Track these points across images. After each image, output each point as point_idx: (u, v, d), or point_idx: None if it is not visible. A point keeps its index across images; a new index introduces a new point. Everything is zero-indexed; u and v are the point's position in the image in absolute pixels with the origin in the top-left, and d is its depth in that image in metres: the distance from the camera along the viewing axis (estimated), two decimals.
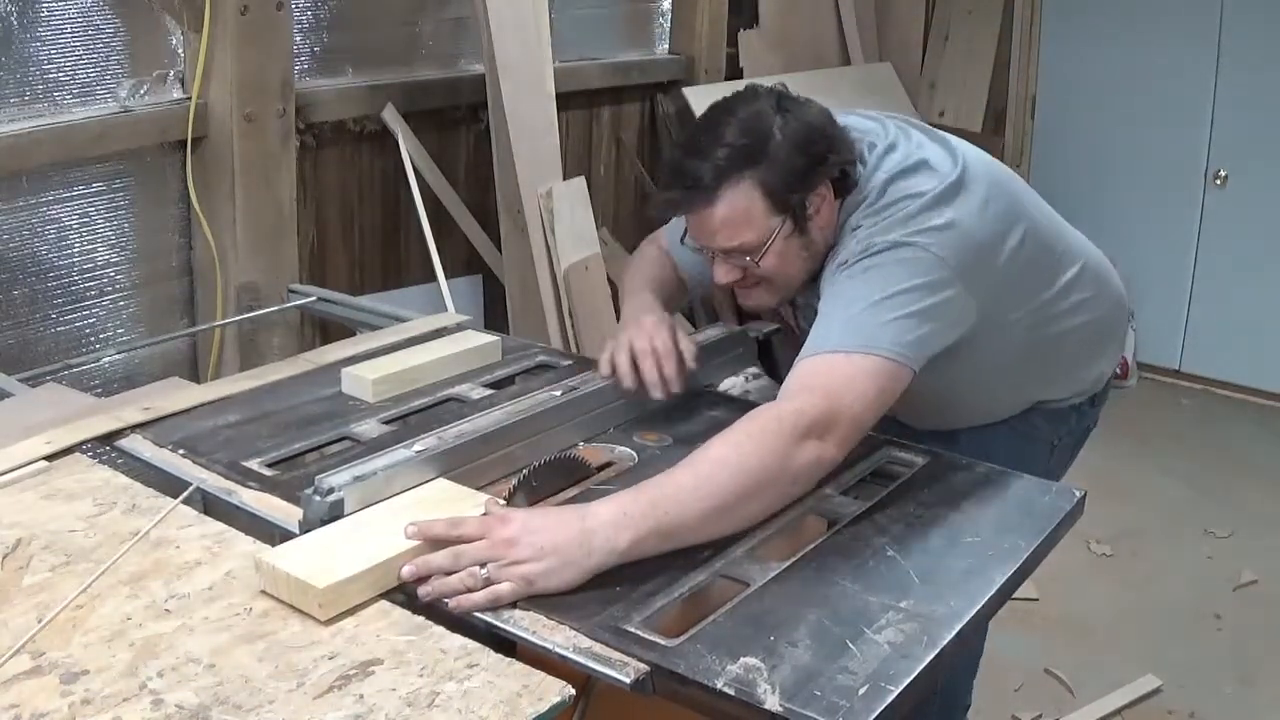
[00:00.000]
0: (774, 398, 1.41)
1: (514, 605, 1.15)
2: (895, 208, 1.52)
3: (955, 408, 1.78)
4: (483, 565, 1.16)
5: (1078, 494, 1.45)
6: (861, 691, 1.02)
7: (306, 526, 1.25)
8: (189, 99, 2.40)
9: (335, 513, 1.24)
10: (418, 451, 1.35)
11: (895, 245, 1.48)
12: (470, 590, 1.15)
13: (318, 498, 1.25)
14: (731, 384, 1.81)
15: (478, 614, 1.14)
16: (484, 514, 1.25)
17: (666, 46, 3.85)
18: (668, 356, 1.61)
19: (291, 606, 1.12)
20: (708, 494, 1.25)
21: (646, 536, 1.21)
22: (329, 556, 1.16)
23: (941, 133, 1.67)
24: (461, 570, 1.16)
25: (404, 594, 1.18)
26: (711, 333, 1.83)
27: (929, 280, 1.46)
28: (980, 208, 1.53)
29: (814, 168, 1.50)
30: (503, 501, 1.30)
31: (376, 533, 1.21)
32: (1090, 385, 1.84)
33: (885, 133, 1.63)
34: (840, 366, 1.40)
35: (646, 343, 1.61)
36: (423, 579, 1.17)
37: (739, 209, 1.49)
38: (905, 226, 1.49)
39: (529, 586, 1.15)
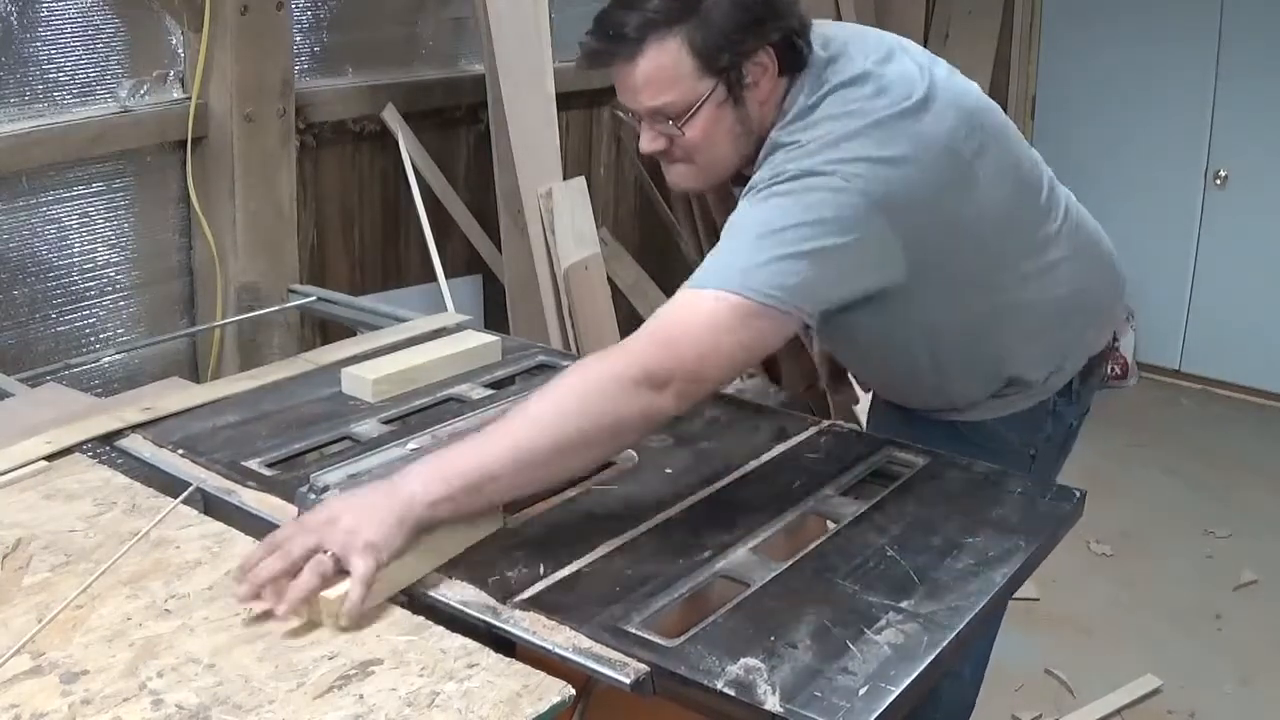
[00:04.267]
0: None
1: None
2: (824, 128, 1.36)
3: (907, 380, 1.64)
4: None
5: (1078, 494, 1.45)
6: (862, 692, 1.02)
7: None
8: (189, 99, 2.40)
9: None
10: (412, 450, 1.35)
11: (807, 173, 1.32)
12: (325, 579, 1.09)
13: (312, 495, 1.25)
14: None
15: (477, 614, 1.14)
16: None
17: None
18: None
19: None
20: (526, 454, 1.20)
21: (458, 493, 1.17)
22: None
23: (927, 54, 1.51)
24: (303, 565, 1.10)
25: (404, 594, 1.18)
26: None
27: (838, 217, 1.30)
28: (937, 142, 1.37)
29: (751, 27, 1.37)
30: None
31: None
32: (1065, 367, 1.67)
33: (844, 38, 1.46)
34: (700, 311, 1.26)
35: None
36: (264, 598, 1.10)
37: (664, 65, 1.37)
38: (828, 153, 1.33)
39: (375, 551, 1.11)
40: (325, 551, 1.12)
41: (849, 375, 1.85)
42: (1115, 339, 4.22)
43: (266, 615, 1.11)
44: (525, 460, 1.20)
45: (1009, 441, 1.68)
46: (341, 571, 1.11)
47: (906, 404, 1.72)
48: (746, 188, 1.38)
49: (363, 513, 1.14)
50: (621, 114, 1.62)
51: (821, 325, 1.42)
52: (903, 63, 1.43)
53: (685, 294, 1.29)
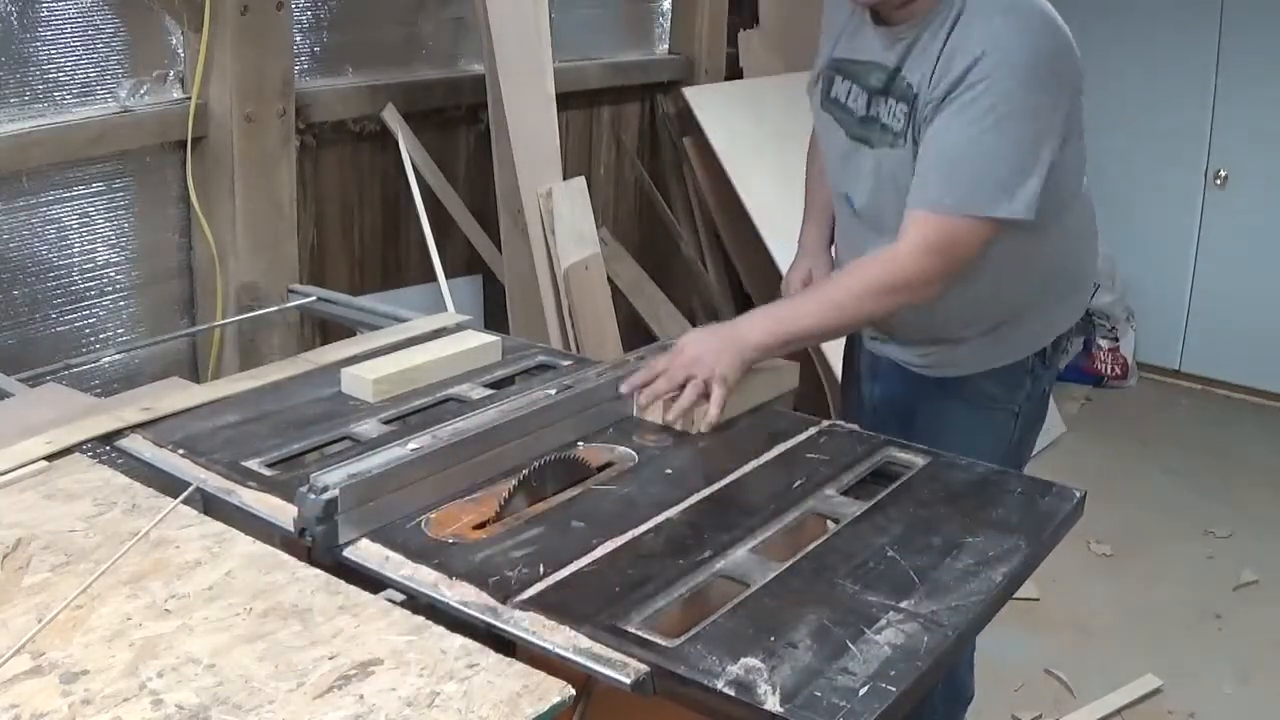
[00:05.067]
0: None
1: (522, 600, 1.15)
2: (1011, 20, 1.62)
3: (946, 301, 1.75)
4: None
5: (1078, 494, 1.45)
6: (862, 692, 1.02)
7: (302, 525, 1.25)
8: (189, 99, 2.40)
9: (330, 511, 1.24)
10: (413, 450, 1.35)
11: (1022, 82, 1.60)
12: (705, 397, 1.59)
13: (312, 496, 1.25)
14: None
15: (477, 614, 1.14)
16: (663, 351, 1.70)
17: (666, 46, 3.84)
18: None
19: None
20: (826, 330, 1.79)
21: (777, 347, 1.68)
22: None
23: None
24: (684, 389, 1.59)
25: (404, 594, 1.18)
26: None
27: (1050, 125, 1.63)
28: (1077, 58, 1.67)
29: None
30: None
31: None
32: (1050, 324, 1.90)
33: None
34: (962, 227, 1.62)
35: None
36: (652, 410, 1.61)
37: None
38: (1030, 58, 1.60)
39: (725, 381, 1.60)
40: (696, 378, 1.60)
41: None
42: (1117, 336, 4.28)
43: (265, 615, 1.11)
44: (822, 334, 1.86)
45: (995, 397, 1.89)
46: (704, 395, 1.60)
47: (910, 332, 1.88)
48: (960, 84, 1.60)
49: (719, 353, 1.62)
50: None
51: None
52: None
53: (950, 214, 1.62)
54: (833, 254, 2.05)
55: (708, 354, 1.62)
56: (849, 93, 1.81)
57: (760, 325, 1.68)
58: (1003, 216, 1.61)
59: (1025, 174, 1.60)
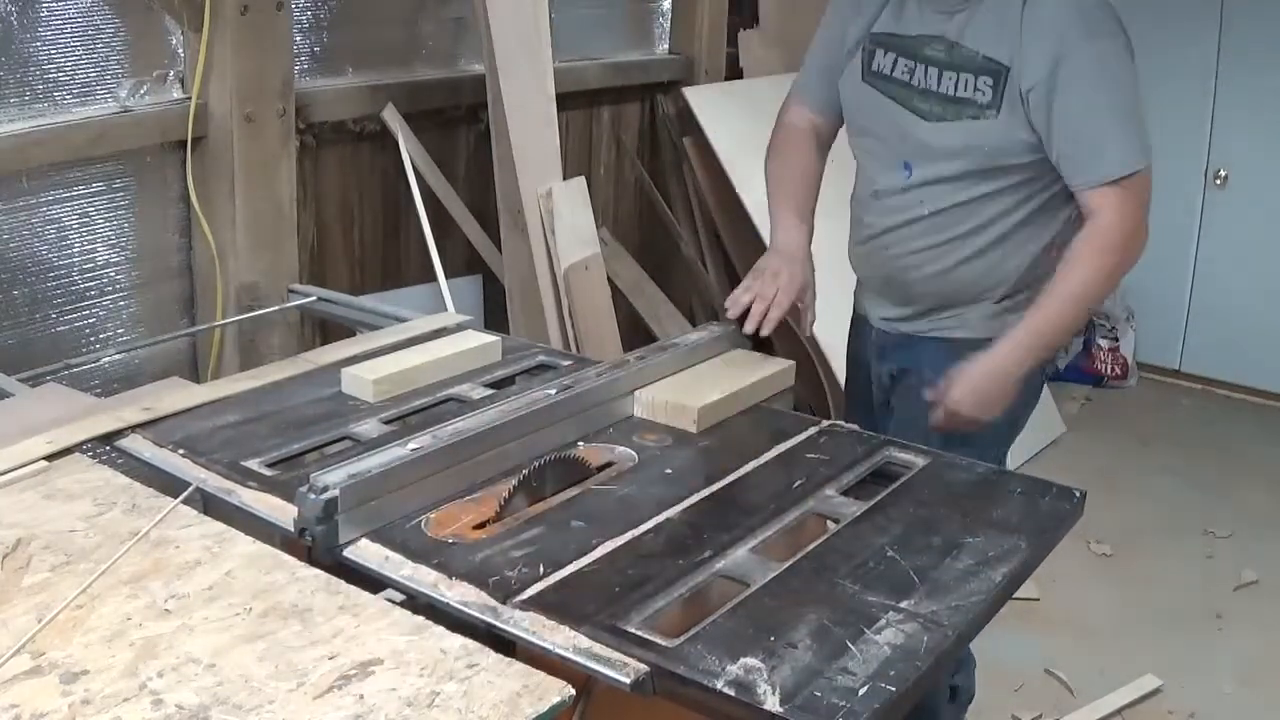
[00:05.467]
0: None
1: (520, 607, 1.15)
2: None
3: (975, 254, 1.91)
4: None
5: (1078, 494, 1.45)
6: (862, 692, 1.02)
7: (302, 525, 1.25)
8: (189, 99, 2.40)
9: (330, 511, 1.24)
10: (413, 450, 1.35)
11: (1113, 35, 1.75)
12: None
13: (312, 495, 1.25)
14: None
15: (477, 614, 1.14)
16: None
17: (666, 46, 3.85)
18: (776, 307, 1.83)
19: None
20: (1072, 321, 1.84)
21: (1035, 363, 1.84)
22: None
23: None
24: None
25: (404, 594, 1.18)
26: (703, 334, 1.83)
27: (1135, 76, 1.79)
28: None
29: None
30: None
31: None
32: None
33: None
34: (1140, 192, 1.77)
35: (769, 290, 1.85)
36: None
37: None
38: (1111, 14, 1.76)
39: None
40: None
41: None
42: (1117, 336, 4.31)
43: (265, 615, 1.11)
44: (1068, 334, 1.88)
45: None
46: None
47: (930, 300, 1.97)
48: (1065, 56, 1.73)
49: (994, 404, 1.83)
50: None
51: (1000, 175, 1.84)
52: None
53: (1123, 177, 1.75)
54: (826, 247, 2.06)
55: (984, 408, 1.82)
56: (895, 65, 1.88)
57: (1015, 357, 1.81)
58: (1149, 161, 1.78)
59: (1142, 119, 1.79)
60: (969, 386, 1.82)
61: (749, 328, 1.83)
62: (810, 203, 2.02)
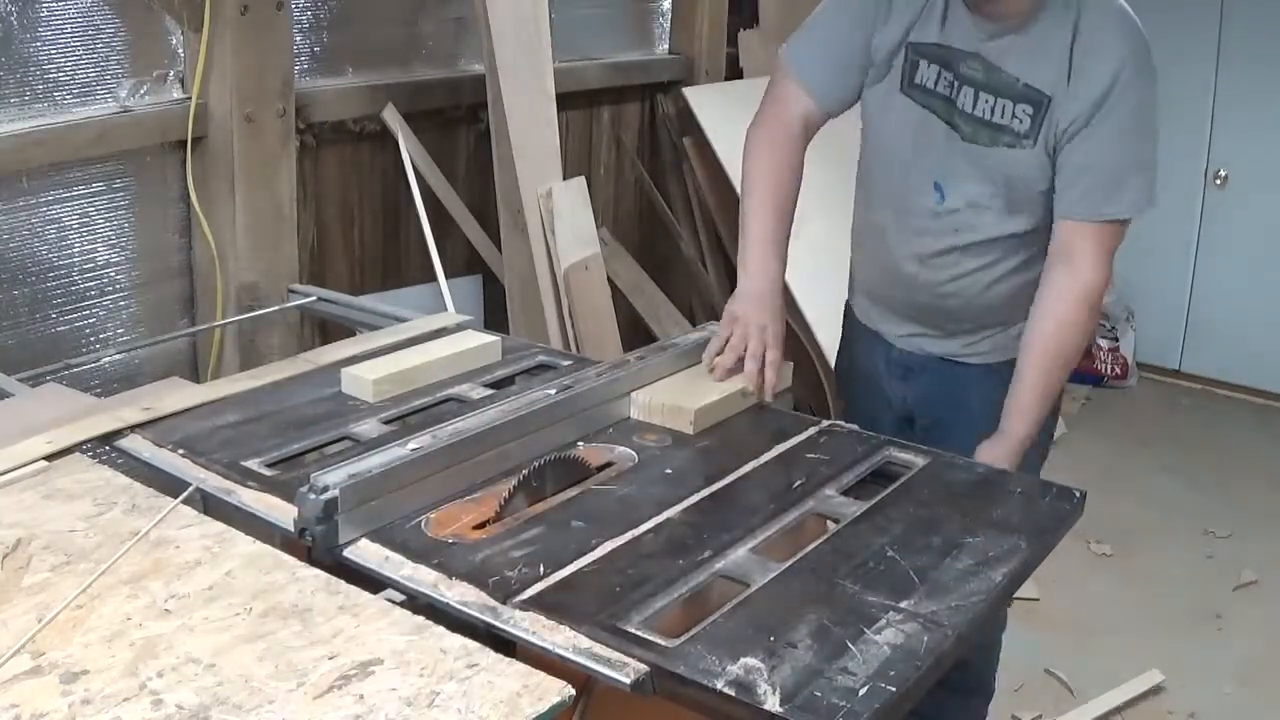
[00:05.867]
0: None
1: (518, 608, 1.15)
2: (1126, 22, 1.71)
3: (997, 286, 1.88)
4: None
5: (1078, 494, 1.45)
6: (862, 692, 1.02)
7: (302, 525, 1.25)
8: (189, 99, 2.40)
9: (330, 511, 1.24)
10: (413, 450, 1.35)
11: (1140, 83, 1.70)
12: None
13: (312, 496, 1.25)
14: None
15: (477, 614, 1.14)
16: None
17: (666, 46, 3.85)
18: (771, 367, 1.73)
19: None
20: (1061, 379, 1.81)
21: (1038, 425, 1.80)
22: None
23: None
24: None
25: (404, 594, 1.18)
26: (703, 334, 1.83)
27: (1155, 122, 1.76)
28: None
29: None
30: None
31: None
32: None
33: None
34: (1121, 233, 1.75)
35: (758, 349, 1.73)
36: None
37: None
38: (1143, 54, 1.71)
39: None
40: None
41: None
42: (1117, 336, 4.34)
43: (265, 615, 1.11)
44: (1059, 389, 1.83)
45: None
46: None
47: (962, 323, 1.92)
48: (1109, 93, 1.68)
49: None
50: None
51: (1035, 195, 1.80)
52: None
53: (1118, 219, 1.74)
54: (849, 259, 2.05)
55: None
56: (939, 78, 1.79)
57: (1023, 427, 1.78)
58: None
59: (1155, 168, 1.76)
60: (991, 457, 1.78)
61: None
62: (789, 223, 1.90)
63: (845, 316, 2.15)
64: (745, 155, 1.95)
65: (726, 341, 1.74)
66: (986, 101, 1.75)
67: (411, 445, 1.36)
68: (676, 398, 1.63)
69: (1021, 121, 1.73)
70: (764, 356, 1.72)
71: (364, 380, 1.69)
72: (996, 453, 1.75)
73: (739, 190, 2.04)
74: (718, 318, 1.88)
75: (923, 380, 1.99)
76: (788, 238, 1.90)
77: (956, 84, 1.77)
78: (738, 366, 1.71)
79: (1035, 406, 1.78)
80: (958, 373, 1.95)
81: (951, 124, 1.79)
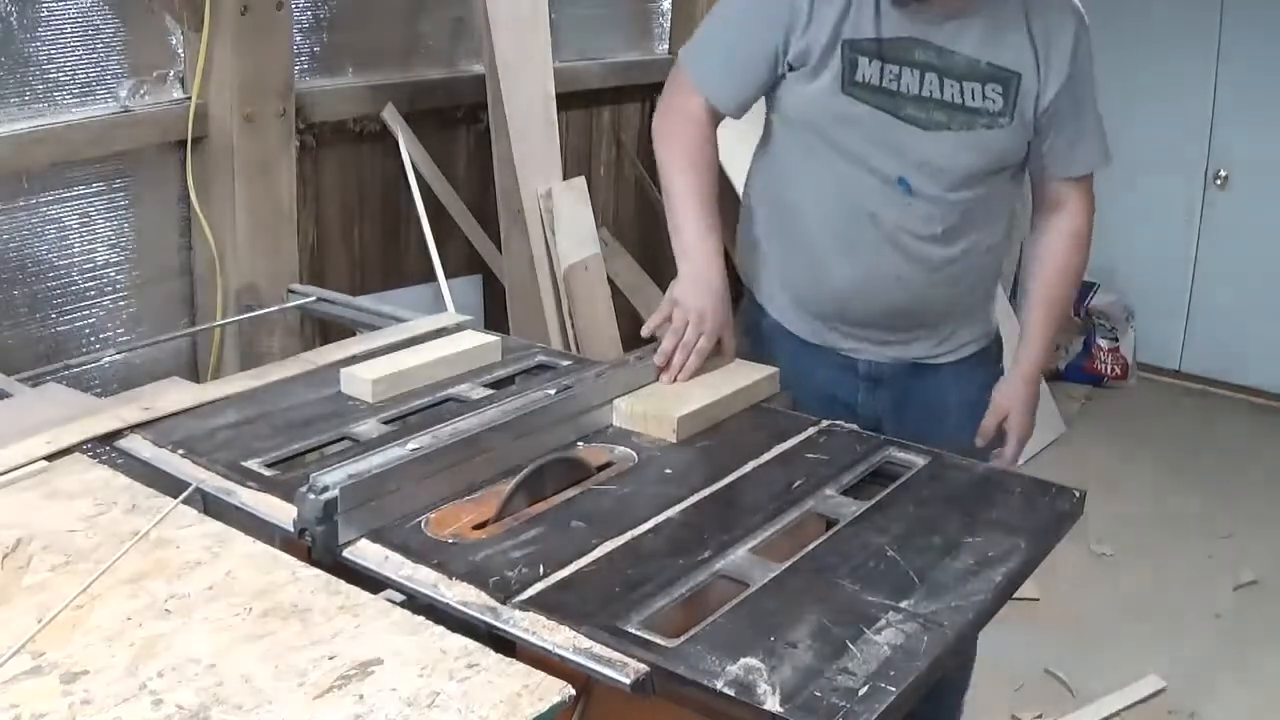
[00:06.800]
0: None
1: (517, 607, 1.15)
2: None
3: (984, 257, 1.93)
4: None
5: (1078, 494, 1.45)
6: (862, 692, 1.02)
7: (302, 525, 1.25)
8: (189, 99, 2.40)
9: (329, 511, 1.24)
10: (412, 450, 1.35)
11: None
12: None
13: (312, 496, 1.24)
14: None
15: (477, 614, 1.14)
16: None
17: (666, 46, 3.84)
18: (698, 355, 1.73)
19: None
20: (1063, 315, 1.99)
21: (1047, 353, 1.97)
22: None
23: None
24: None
25: (404, 594, 1.18)
26: None
27: None
28: None
29: None
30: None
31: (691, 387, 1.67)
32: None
33: None
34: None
35: (692, 337, 1.75)
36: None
37: None
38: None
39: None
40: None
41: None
42: (1117, 336, 4.35)
43: (265, 615, 1.11)
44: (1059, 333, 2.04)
45: (998, 362, 2.05)
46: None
47: (936, 316, 1.93)
48: (1075, 56, 1.77)
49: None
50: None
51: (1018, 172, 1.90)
52: None
53: (1100, 169, 1.92)
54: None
55: (1033, 420, 1.96)
56: (883, 72, 1.73)
57: (1042, 360, 1.95)
58: None
59: None
60: (1023, 407, 1.93)
61: (666, 380, 1.70)
62: (715, 203, 1.88)
63: (771, 335, 2.02)
64: (657, 144, 1.92)
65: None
66: (953, 86, 1.74)
67: (411, 445, 1.36)
68: (660, 405, 1.60)
69: (994, 101, 1.75)
70: (695, 345, 1.73)
71: (363, 380, 1.69)
72: (1016, 387, 1.92)
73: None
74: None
75: (890, 389, 1.94)
76: (717, 215, 1.89)
77: (903, 71, 1.73)
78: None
79: (1042, 337, 1.93)
80: (934, 379, 1.95)
81: (902, 116, 1.75)
